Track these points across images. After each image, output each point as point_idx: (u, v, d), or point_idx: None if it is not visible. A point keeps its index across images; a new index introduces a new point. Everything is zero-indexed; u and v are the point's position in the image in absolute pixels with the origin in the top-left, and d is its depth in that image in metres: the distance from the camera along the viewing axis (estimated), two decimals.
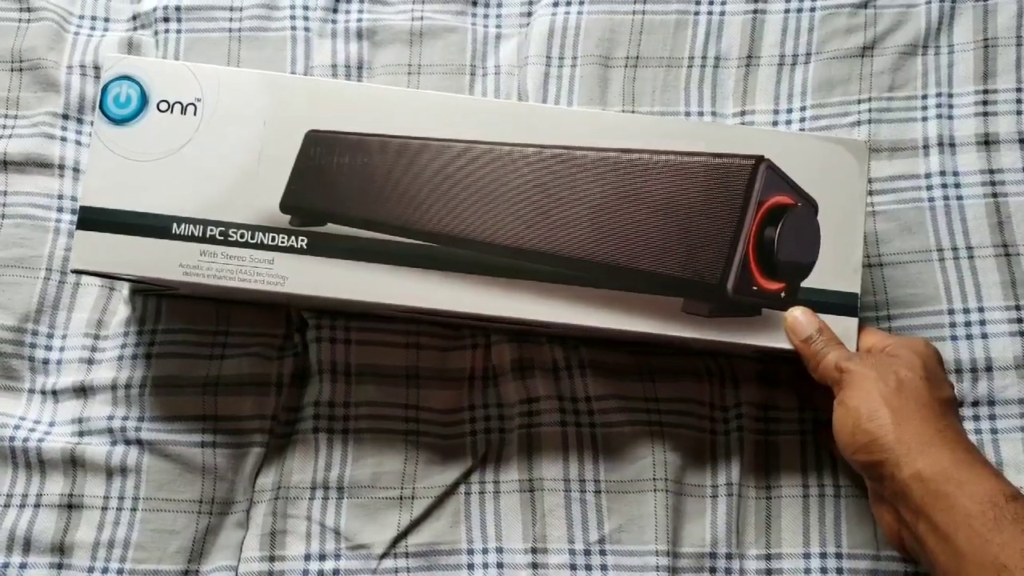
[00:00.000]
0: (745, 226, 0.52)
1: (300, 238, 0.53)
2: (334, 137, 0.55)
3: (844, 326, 0.53)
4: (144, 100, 0.55)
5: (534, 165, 0.54)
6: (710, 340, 0.53)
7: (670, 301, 0.53)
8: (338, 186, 0.54)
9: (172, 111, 0.55)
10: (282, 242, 0.53)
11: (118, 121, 0.55)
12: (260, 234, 0.53)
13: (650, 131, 0.55)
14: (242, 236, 0.53)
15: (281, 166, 0.54)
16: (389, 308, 0.54)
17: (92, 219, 0.53)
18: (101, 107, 0.55)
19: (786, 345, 0.53)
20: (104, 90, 0.55)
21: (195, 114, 0.55)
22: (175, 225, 0.53)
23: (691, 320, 0.53)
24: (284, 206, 0.54)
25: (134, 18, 0.70)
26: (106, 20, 0.70)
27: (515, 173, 0.54)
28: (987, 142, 0.65)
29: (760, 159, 0.53)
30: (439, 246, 0.54)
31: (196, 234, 0.53)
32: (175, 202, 0.54)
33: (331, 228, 0.54)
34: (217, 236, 0.53)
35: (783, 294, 0.53)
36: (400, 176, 0.54)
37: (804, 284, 0.53)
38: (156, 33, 0.69)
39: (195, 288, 0.56)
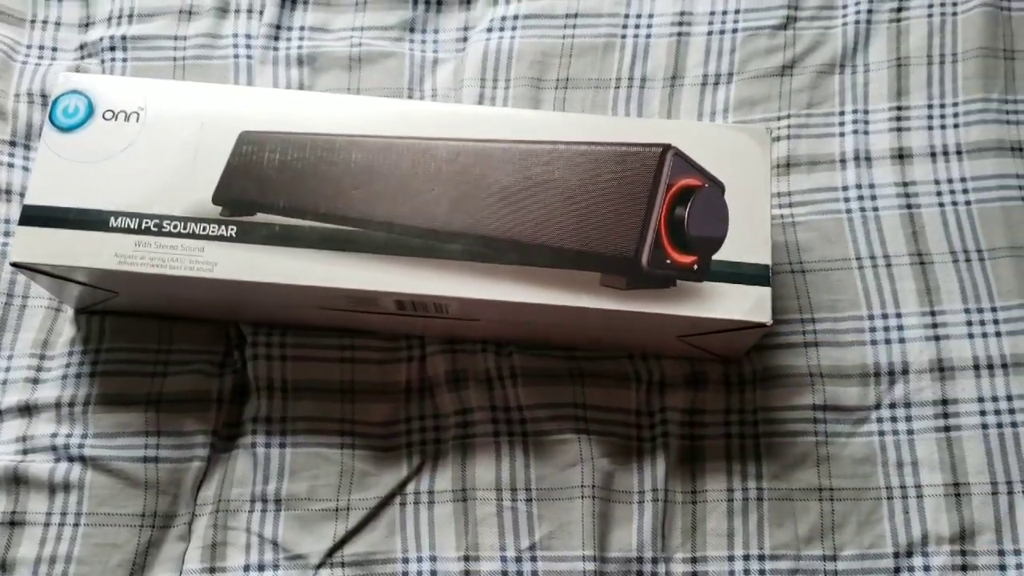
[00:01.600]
0: (656, 206, 0.56)
1: (229, 227, 0.56)
2: (266, 136, 0.58)
3: (757, 295, 0.56)
4: (91, 110, 0.59)
5: (451, 156, 0.58)
6: (628, 311, 0.55)
7: (588, 276, 0.56)
8: (268, 179, 0.57)
9: (116, 119, 0.59)
10: (212, 231, 0.56)
11: (65, 129, 0.59)
12: (192, 224, 0.56)
13: (574, 125, 0.59)
14: (175, 227, 0.56)
15: (215, 164, 0.58)
16: (314, 292, 0.57)
17: (33, 216, 0.57)
18: (50, 118, 0.59)
19: (699, 313, 0.55)
20: (54, 103, 0.59)
21: (137, 121, 0.59)
22: (112, 219, 0.56)
23: (609, 293, 0.56)
24: (216, 198, 0.57)
25: (81, 47, 0.72)
26: (54, 50, 0.72)
27: (433, 163, 0.58)
28: (901, 156, 0.67)
29: (667, 147, 0.57)
30: (361, 230, 0.57)
31: (132, 226, 0.56)
32: (114, 198, 0.57)
33: (259, 217, 0.57)
34: (152, 228, 0.56)
35: (696, 267, 0.56)
36: (326, 168, 0.58)
37: (717, 257, 0.56)
38: (103, 62, 0.71)
39: (131, 285, 0.58)
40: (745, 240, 0.57)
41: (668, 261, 0.56)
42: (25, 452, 0.61)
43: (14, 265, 0.56)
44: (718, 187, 0.57)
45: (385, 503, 0.61)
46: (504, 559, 0.60)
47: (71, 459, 0.61)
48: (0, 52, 0.70)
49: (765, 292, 0.56)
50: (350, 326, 0.63)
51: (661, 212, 0.56)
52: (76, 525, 0.60)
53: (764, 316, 0.56)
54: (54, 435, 0.61)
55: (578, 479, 0.61)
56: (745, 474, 0.61)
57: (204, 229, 0.57)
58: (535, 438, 0.62)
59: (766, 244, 0.57)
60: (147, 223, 0.57)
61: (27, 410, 0.62)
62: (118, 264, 0.56)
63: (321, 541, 0.60)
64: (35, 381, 0.63)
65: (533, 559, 0.60)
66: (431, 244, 0.56)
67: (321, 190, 0.57)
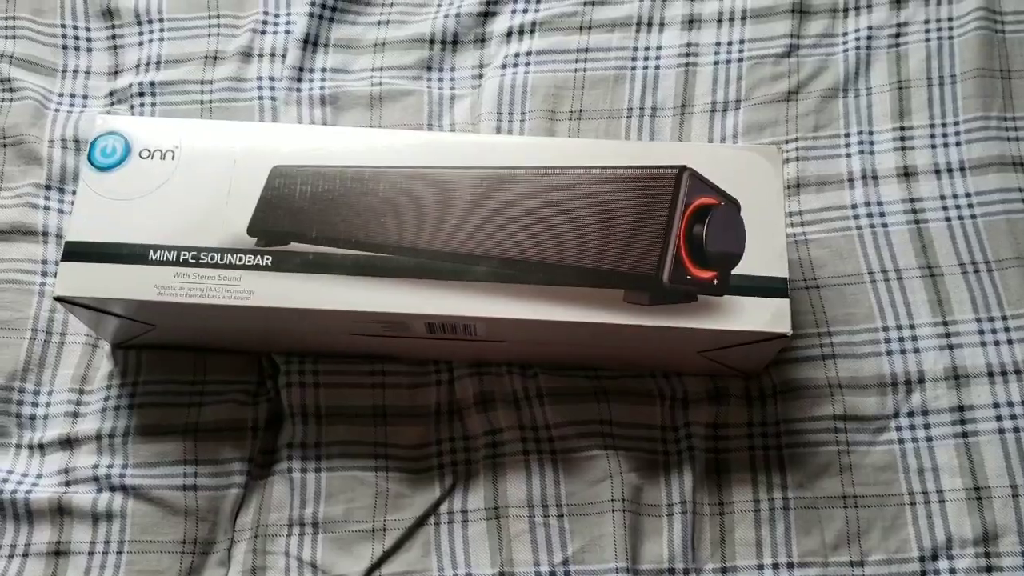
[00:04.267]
0: (674, 225, 0.58)
1: (265, 256, 0.58)
2: (297, 169, 0.61)
3: (776, 307, 0.58)
4: (128, 150, 0.61)
5: (475, 183, 0.60)
6: (651, 327, 0.57)
7: (612, 294, 0.58)
8: (300, 210, 0.60)
9: (152, 157, 0.61)
10: (248, 261, 0.58)
11: (103, 168, 0.61)
12: (228, 255, 0.58)
13: (591, 151, 0.61)
14: (212, 258, 0.58)
15: (249, 198, 0.60)
16: (348, 317, 0.58)
17: (75, 252, 0.59)
18: (89, 158, 0.61)
19: (721, 326, 0.57)
20: (92, 144, 0.61)
21: (173, 159, 0.61)
22: (151, 252, 0.59)
23: (633, 309, 0.57)
24: (251, 229, 0.59)
25: (111, 94, 0.75)
26: (84, 97, 0.75)
27: (459, 191, 0.60)
28: (906, 174, 0.70)
29: (683, 168, 0.59)
30: (391, 256, 0.59)
31: (170, 259, 0.58)
32: (152, 233, 0.59)
33: (293, 247, 0.59)
34: (190, 259, 0.58)
35: (715, 281, 0.58)
36: (356, 198, 0.60)
37: (736, 272, 0.58)
38: (132, 107, 0.74)
39: (169, 317, 0.60)
40: (762, 254, 0.59)
41: (689, 277, 0.58)
42: (68, 484, 0.63)
43: (57, 299, 0.58)
44: (734, 204, 0.60)
45: (420, 523, 0.63)
46: (539, 574, 0.61)
47: (113, 489, 0.62)
48: (34, 101, 0.73)
49: (784, 304, 0.58)
50: (380, 352, 0.65)
51: (680, 230, 0.58)
52: (119, 553, 0.61)
53: (784, 327, 0.57)
54: (95, 466, 0.63)
55: (608, 494, 0.62)
56: (770, 484, 0.63)
57: (240, 259, 0.59)
58: (563, 455, 0.63)
59: (782, 257, 0.59)
60: (185, 255, 0.59)
61: (68, 443, 0.64)
62: (158, 295, 0.58)
63: (359, 562, 0.61)
64: (75, 415, 0.65)
65: (567, 573, 0.61)
66: (458, 267, 0.59)
67: (351, 219, 0.60)
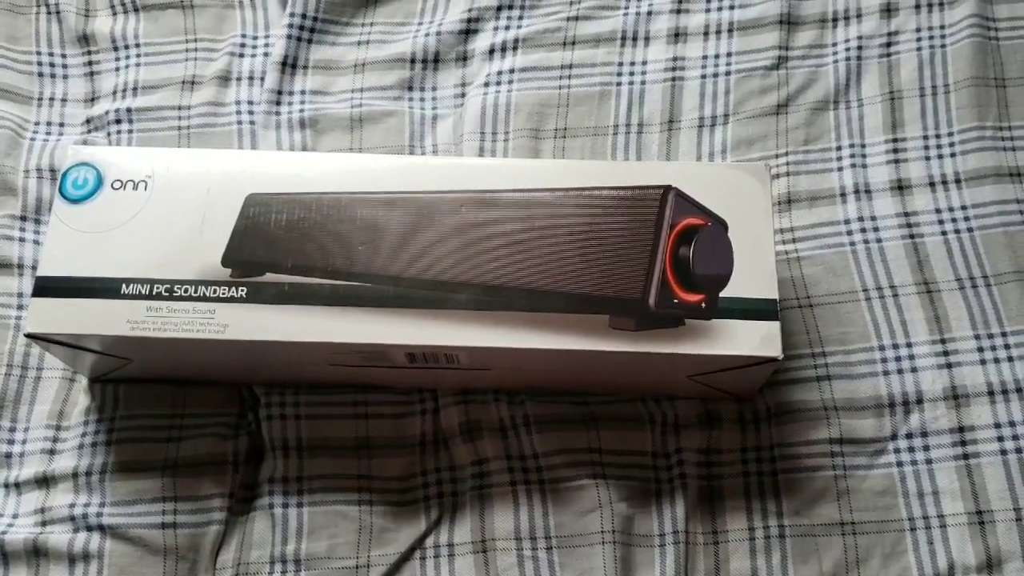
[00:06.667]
0: (660, 247, 0.56)
1: (240, 288, 0.57)
2: (272, 197, 0.59)
3: (767, 329, 0.56)
4: (100, 181, 0.60)
5: (455, 208, 0.58)
6: (638, 352, 0.55)
7: (597, 320, 0.56)
8: (275, 240, 0.58)
9: (125, 188, 0.60)
10: (223, 293, 0.57)
11: (75, 200, 0.59)
12: (203, 287, 0.57)
13: (574, 172, 0.59)
14: (186, 291, 0.57)
15: (223, 228, 0.59)
16: (325, 349, 0.57)
17: (47, 287, 0.57)
18: (60, 190, 0.59)
19: (709, 351, 0.55)
20: (64, 175, 0.60)
21: (145, 189, 0.60)
22: (124, 286, 0.57)
23: (619, 335, 0.56)
24: (225, 260, 0.58)
25: (87, 122, 0.73)
26: (61, 125, 0.73)
27: (439, 216, 0.58)
28: (900, 187, 0.68)
29: (668, 188, 0.57)
30: (369, 285, 0.57)
31: (143, 292, 0.57)
32: (125, 266, 0.58)
33: (268, 277, 0.57)
34: (163, 293, 0.57)
35: (703, 305, 0.56)
36: (332, 226, 0.58)
37: (724, 294, 0.57)
38: (109, 135, 0.73)
39: (144, 351, 0.59)
40: (751, 276, 0.57)
41: (676, 301, 0.56)
42: (44, 524, 0.61)
43: (29, 336, 0.57)
44: (721, 225, 0.58)
45: (405, 558, 0.61)
46: None
47: (90, 528, 0.60)
48: (8, 130, 0.72)
49: (774, 326, 0.56)
50: (362, 382, 0.64)
51: (666, 252, 0.56)
52: None
53: (774, 350, 0.56)
54: (72, 505, 0.61)
55: (597, 525, 0.60)
56: (765, 512, 0.61)
57: (214, 292, 0.57)
58: (552, 485, 0.62)
59: (772, 279, 0.57)
60: (158, 288, 0.57)
61: (44, 481, 0.62)
62: (131, 330, 0.57)
63: None
64: (52, 452, 0.63)
65: None
66: (439, 295, 0.57)
67: (328, 248, 0.58)
